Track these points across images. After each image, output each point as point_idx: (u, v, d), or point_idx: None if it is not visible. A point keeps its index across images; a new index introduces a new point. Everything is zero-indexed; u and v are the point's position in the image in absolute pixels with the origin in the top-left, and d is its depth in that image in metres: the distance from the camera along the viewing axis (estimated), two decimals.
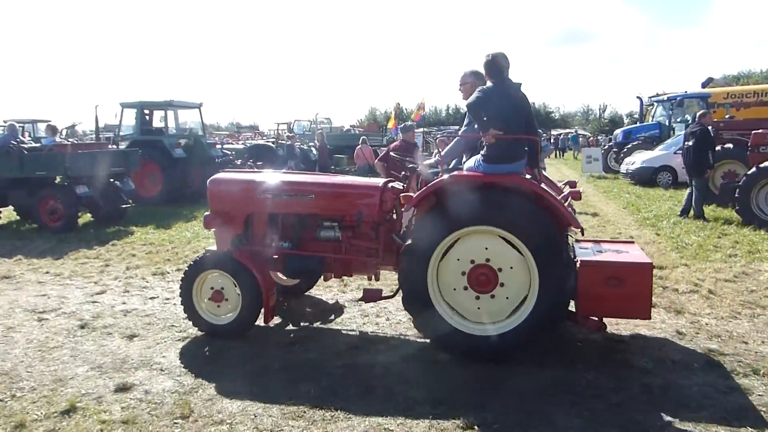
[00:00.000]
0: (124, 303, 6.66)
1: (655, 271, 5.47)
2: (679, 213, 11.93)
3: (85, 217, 12.47)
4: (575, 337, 5.42)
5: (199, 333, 5.59)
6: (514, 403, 4.19)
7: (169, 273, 7.99)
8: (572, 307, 4.91)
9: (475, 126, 5.00)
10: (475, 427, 3.86)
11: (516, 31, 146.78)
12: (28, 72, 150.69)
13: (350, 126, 42.60)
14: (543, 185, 4.96)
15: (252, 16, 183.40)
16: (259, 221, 5.81)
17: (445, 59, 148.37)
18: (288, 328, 5.81)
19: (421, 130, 31.03)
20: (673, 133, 20.42)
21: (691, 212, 11.61)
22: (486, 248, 4.79)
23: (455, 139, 5.58)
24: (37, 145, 13.36)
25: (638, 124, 24.37)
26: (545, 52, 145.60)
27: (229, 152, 18.62)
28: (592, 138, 48.30)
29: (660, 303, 6.27)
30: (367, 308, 6.34)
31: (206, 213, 5.99)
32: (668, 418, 3.97)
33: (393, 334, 5.60)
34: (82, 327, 5.86)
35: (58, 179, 11.91)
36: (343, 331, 5.70)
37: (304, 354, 5.13)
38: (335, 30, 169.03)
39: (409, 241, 4.95)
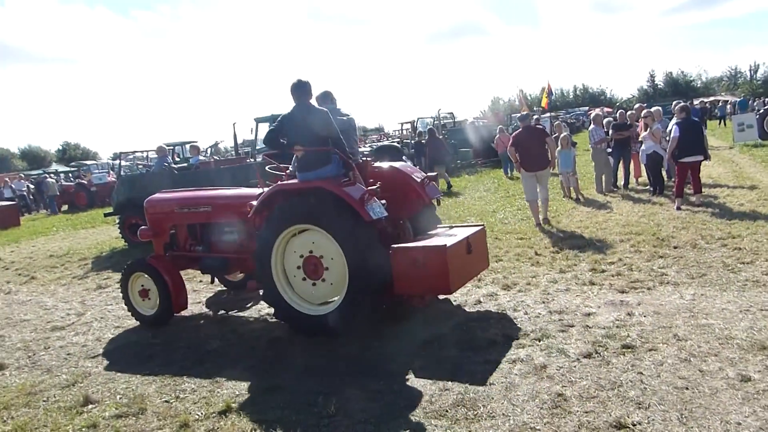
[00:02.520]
0: (269, 306, 6.99)
1: None
2: None
3: None
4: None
5: (346, 337, 5.73)
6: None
7: None
8: None
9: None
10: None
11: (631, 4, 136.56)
12: (175, 99, 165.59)
13: (474, 118, 41.95)
14: (352, 185, 5.62)
15: (367, 21, 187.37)
16: (179, 231, 7.20)
17: (568, 38, 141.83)
18: (416, 328, 5.76)
19: (548, 114, 29.80)
20: None
21: None
22: (312, 242, 5.69)
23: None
24: (185, 164, 14.54)
25: None
26: (664, 21, 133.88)
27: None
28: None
29: None
30: (504, 302, 6.15)
31: (141, 227, 7.22)
32: None
33: (532, 328, 5.37)
34: (232, 331, 6.24)
35: None
36: (480, 330, 5.55)
37: (444, 352, 5.06)
38: (451, 24, 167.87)
39: (256, 247, 5.91)
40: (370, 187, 5.66)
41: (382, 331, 5.75)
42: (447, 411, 4.04)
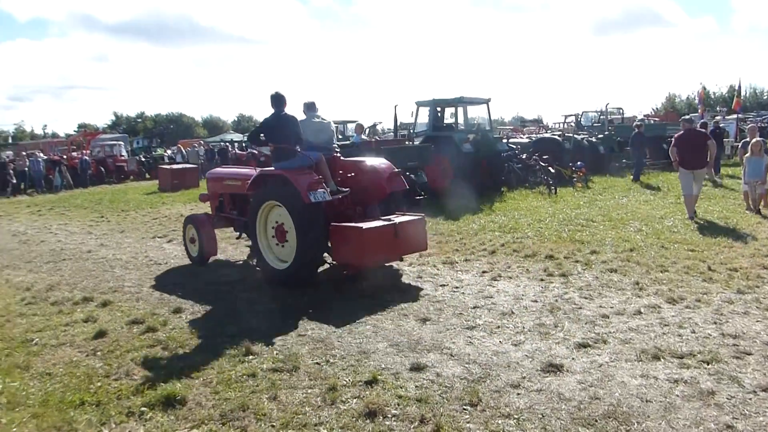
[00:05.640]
0: (417, 288, 7.12)
1: None
2: None
3: None
4: None
5: (491, 324, 5.74)
6: None
7: (457, 263, 8.31)
8: None
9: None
10: None
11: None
12: (340, 79, 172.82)
13: (644, 116, 39.08)
14: (307, 175, 7.16)
15: (530, 8, 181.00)
16: (225, 198, 9.33)
17: (764, 33, 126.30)
18: (575, 326, 5.52)
19: (734, 116, 26.89)
20: None
21: None
22: (280, 214, 7.50)
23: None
24: (347, 142, 15.16)
25: None
26: None
27: (515, 146, 18.64)
28: None
29: None
30: (668, 317, 5.69)
31: (201, 192, 10.11)
32: None
33: (699, 349, 4.91)
34: (382, 306, 6.42)
35: None
36: (638, 341, 5.19)
37: (597, 358, 4.82)
38: (624, 14, 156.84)
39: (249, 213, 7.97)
40: (317, 177, 7.21)
41: (537, 328, 5.60)
42: (596, 421, 3.85)
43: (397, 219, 7.22)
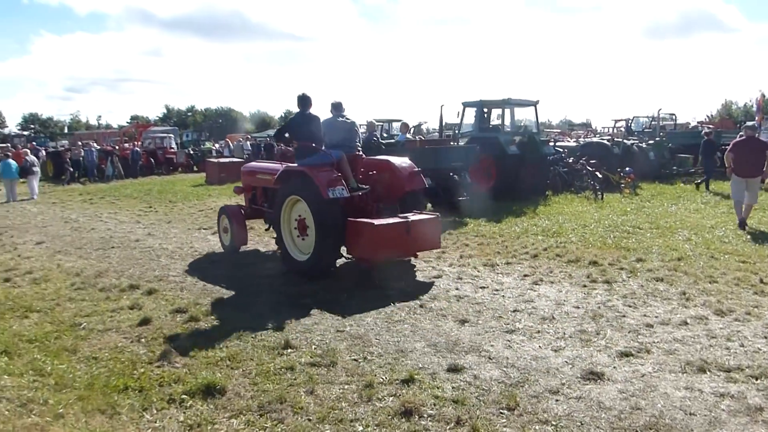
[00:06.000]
0: (457, 289, 7.08)
1: None
2: None
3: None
4: None
5: (531, 329, 5.66)
6: None
7: (498, 265, 8.22)
8: None
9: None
10: None
11: None
12: (387, 77, 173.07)
13: (698, 122, 37.87)
14: (326, 172, 7.47)
15: (582, 9, 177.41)
16: (258, 191, 9.68)
17: None
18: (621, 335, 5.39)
19: None
20: None
21: None
22: (301, 209, 7.81)
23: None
24: (392, 141, 15.18)
25: None
26: None
27: (562, 150, 18.32)
28: None
29: None
30: (716, 329, 5.50)
31: (235, 185, 10.59)
32: None
33: (748, 363, 4.73)
34: (420, 306, 6.41)
35: None
36: (684, 353, 5.03)
37: (641, 368, 4.69)
38: (679, 18, 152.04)
39: (274, 206, 8.33)
40: (336, 174, 7.52)
41: (578, 335, 5.50)
42: (637, 431, 3.75)
43: (411, 217, 7.44)
